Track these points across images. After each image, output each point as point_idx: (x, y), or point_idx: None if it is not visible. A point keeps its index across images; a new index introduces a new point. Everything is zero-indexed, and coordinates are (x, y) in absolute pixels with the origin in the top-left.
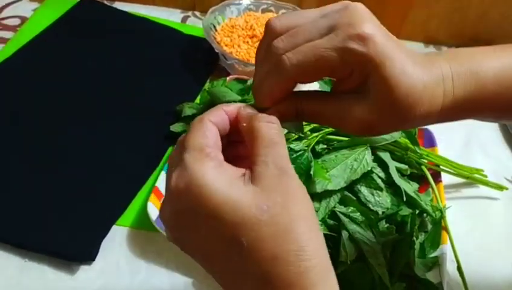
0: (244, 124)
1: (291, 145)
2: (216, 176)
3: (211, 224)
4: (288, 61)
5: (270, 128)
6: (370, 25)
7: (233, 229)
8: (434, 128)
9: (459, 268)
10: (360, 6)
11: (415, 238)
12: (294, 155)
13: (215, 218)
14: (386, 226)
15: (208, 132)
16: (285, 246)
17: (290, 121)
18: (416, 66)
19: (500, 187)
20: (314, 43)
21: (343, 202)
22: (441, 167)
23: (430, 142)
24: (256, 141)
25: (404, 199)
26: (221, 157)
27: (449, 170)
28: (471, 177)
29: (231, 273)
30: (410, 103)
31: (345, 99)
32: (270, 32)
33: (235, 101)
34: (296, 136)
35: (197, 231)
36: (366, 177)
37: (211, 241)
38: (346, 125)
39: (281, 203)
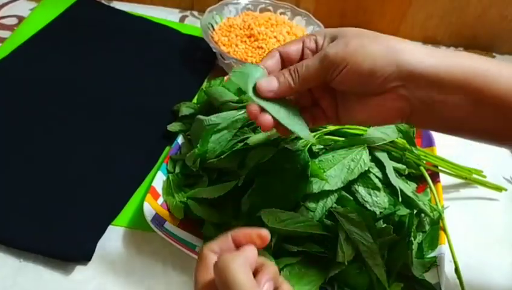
0: None
1: (288, 146)
2: None
3: None
4: None
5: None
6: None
7: None
8: None
9: (456, 269)
10: None
11: (412, 238)
12: (292, 155)
13: None
14: (383, 226)
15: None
16: None
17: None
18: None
19: (499, 188)
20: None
21: (340, 202)
22: (439, 167)
23: (429, 141)
24: None
25: (400, 199)
26: None
27: (447, 170)
28: (469, 178)
29: None
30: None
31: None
32: None
33: (231, 101)
34: (294, 136)
35: None
36: (364, 178)
37: None
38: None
39: None
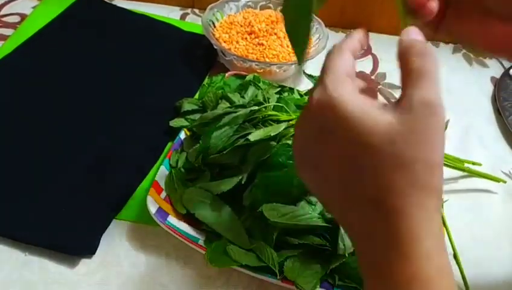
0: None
1: (289, 141)
2: (353, 98)
3: (340, 141)
4: None
5: (419, 62)
6: None
7: (358, 150)
8: None
9: (456, 261)
10: None
11: None
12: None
13: (345, 137)
14: None
15: (346, 58)
16: (398, 181)
17: None
18: None
19: (497, 179)
20: None
21: None
22: None
23: None
24: (405, 73)
25: None
26: (357, 84)
27: (446, 162)
28: (468, 170)
29: (341, 197)
30: None
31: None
32: None
33: None
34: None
35: (324, 144)
36: None
37: (334, 159)
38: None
39: (411, 143)
